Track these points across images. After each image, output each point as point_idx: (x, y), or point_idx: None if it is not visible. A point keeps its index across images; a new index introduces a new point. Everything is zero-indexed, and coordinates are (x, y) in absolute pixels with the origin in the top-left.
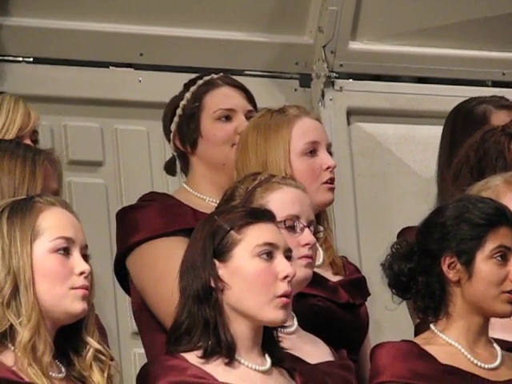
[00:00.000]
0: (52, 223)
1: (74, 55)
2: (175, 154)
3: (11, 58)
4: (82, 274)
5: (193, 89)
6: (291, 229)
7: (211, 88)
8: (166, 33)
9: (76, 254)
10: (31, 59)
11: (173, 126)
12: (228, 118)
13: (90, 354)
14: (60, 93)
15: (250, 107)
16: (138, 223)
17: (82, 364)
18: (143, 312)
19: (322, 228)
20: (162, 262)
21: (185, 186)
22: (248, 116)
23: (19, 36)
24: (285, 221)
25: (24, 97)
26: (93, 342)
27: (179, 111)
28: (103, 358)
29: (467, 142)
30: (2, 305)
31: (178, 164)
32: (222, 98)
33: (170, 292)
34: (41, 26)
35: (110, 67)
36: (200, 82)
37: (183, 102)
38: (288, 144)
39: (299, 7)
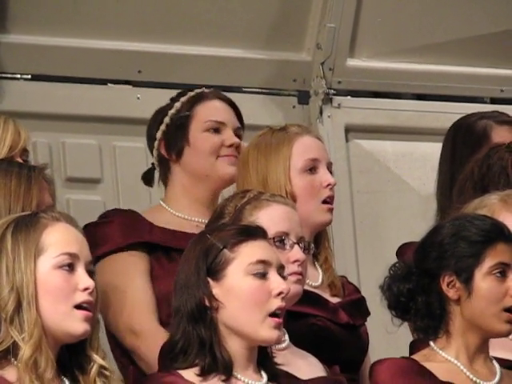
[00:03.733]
0: (56, 239)
1: (72, 72)
2: (156, 162)
3: (9, 75)
4: (86, 289)
5: (183, 99)
6: (281, 245)
7: (203, 99)
8: (164, 50)
9: (80, 270)
10: (29, 76)
11: (158, 134)
12: (217, 131)
13: (94, 370)
14: (58, 110)
15: (238, 125)
16: (98, 239)
17: (86, 380)
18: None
19: (312, 245)
20: (119, 277)
21: (161, 202)
22: (236, 133)
23: (17, 53)
24: (274, 238)
25: (22, 114)
26: (97, 358)
27: (167, 119)
28: (107, 373)
29: (473, 157)
30: (6, 321)
31: (155, 175)
32: (214, 110)
33: (122, 306)
34: (39, 44)
35: (109, 84)
36: (191, 93)
37: (172, 111)
38: (288, 161)
39: (297, 24)
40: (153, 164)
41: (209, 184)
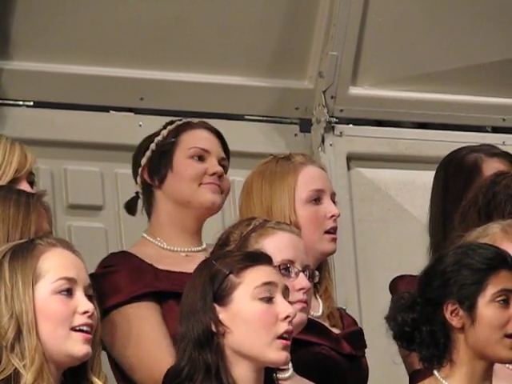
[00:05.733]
0: (53, 264)
1: (74, 99)
2: (140, 190)
3: (11, 102)
4: (85, 313)
5: (170, 127)
6: (286, 273)
7: (189, 128)
8: (167, 77)
9: (79, 294)
10: (31, 103)
11: (143, 160)
12: (201, 158)
13: None
14: (60, 137)
15: (223, 155)
16: (107, 289)
17: None
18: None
19: (317, 273)
20: (135, 329)
21: (144, 235)
22: (220, 163)
23: (19, 80)
24: (279, 265)
25: (24, 141)
26: (98, 383)
27: (153, 146)
28: None
29: (477, 184)
30: (6, 349)
31: (139, 204)
32: (199, 138)
33: (146, 358)
34: (41, 70)
35: (111, 111)
36: (179, 122)
37: (158, 138)
38: (293, 191)
39: (299, 52)
40: (137, 193)
41: (191, 211)
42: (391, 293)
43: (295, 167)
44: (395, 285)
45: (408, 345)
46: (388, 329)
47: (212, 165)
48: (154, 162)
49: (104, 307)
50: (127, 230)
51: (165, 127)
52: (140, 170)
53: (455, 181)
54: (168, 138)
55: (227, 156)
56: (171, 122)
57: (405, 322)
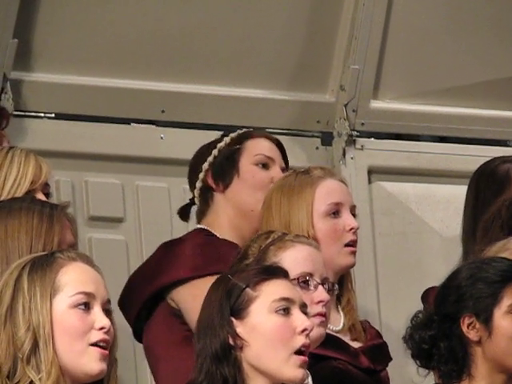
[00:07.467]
0: (72, 278)
1: (95, 111)
2: (198, 193)
3: (33, 114)
4: (102, 329)
5: (233, 134)
6: (305, 286)
7: (254, 136)
8: (188, 90)
9: (97, 309)
10: (53, 115)
11: (205, 165)
12: (266, 166)
13: None
14: (81, 149)
15: (283, 165)
16: (178, 259)
17: None
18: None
19: (336, 286)
20: None
21: (203, 226)
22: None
23: (41, 92)
24: (298, 278)
25: (45, 152)
26: None
27: (215, 152)
28: None
29: (499, 199)
30: (22, 361)
31: (192, 211)
32: (264, 145)
33: None
34: (62, 82)
35: (132, 124)
36: (241, 131)
37: (221, 144)
38: (311, 205)
39: (321, 66)
40: (190, 200)
41: (252, 220)
42: (423, 304)
43: (313, 181)
44: (427, 296)
45: (427, 363)
46: (406, 348)
47: (277, 173)
48: (217, 167)
49: (185, 275)
50: (148, 242)
51: (226, 135)
52: (201, 174)
53: (486, 191)
54: (231, 144)
55: (286, 167)
56: (232, 131)
57: (423, 340)
